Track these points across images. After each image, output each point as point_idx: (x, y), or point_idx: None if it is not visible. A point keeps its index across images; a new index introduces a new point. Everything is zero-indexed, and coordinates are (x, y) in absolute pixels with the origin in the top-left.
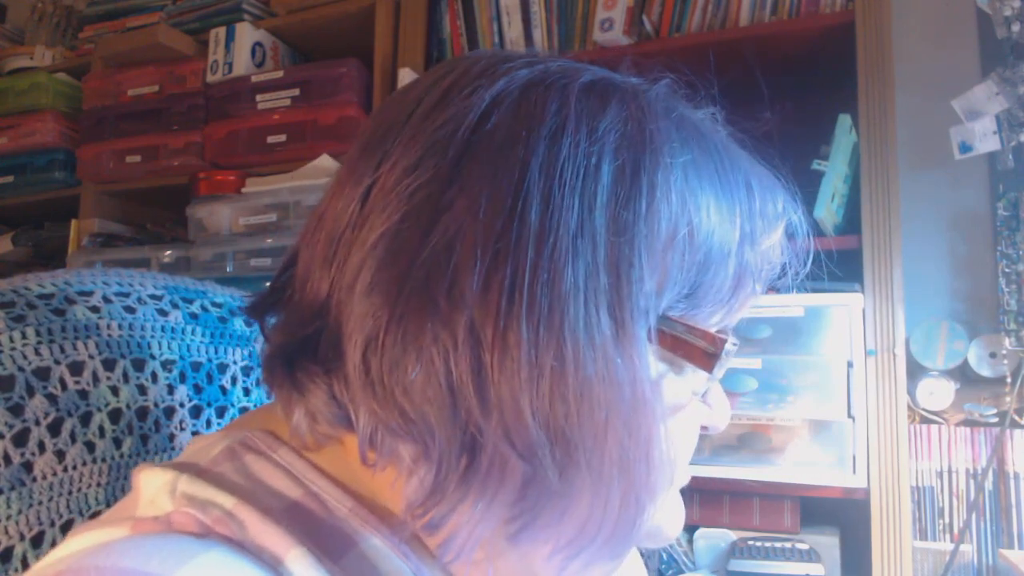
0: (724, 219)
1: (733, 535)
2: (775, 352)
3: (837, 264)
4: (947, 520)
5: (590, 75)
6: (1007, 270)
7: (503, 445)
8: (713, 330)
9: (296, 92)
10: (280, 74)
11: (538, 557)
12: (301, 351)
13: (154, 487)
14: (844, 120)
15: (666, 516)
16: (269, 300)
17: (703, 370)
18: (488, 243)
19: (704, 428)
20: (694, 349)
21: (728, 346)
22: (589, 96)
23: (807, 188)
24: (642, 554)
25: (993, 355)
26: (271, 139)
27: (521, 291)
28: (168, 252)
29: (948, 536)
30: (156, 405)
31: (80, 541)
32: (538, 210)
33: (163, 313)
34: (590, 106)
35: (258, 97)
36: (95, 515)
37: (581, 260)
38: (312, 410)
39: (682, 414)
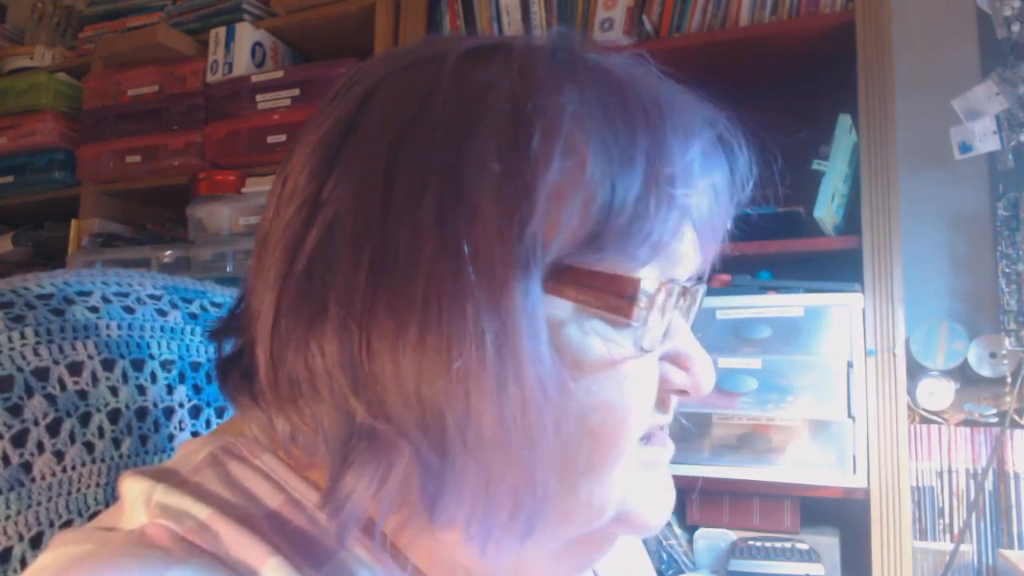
0: (620, 146)
1: (733, 535)
2: (775, 352)
3: (837, 264)
4: (947, 520)
5: (475, 42)
6: (1007, 270)
7: (381, 424)
8: (637, 273)
9: (296, 92)
10: (280, 74)
11: (455, 541)
12: (232, 364)
13: (132, 496)
14: (844, 120)
15: (637, 499)
16: (229, 324)
17: (622, 317)
18: (360, 224)
19: (683, 393)
20: (602, 296)
21: (648, 285)
22: (470, 59)
23: (807, 188)
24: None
25: (993, 355)
26: (271, 139)
27: (386, 263)
28: (168, 252)
29: (948, 536)
30: (155, 405)
31: (51, 557)
32: (407, 181)
33: (162, 313)
34: (469, 67)
35: (258, 97)
36: (94, 515)
37: (449, 223)
38: (249, 419)
39: (622, 373)
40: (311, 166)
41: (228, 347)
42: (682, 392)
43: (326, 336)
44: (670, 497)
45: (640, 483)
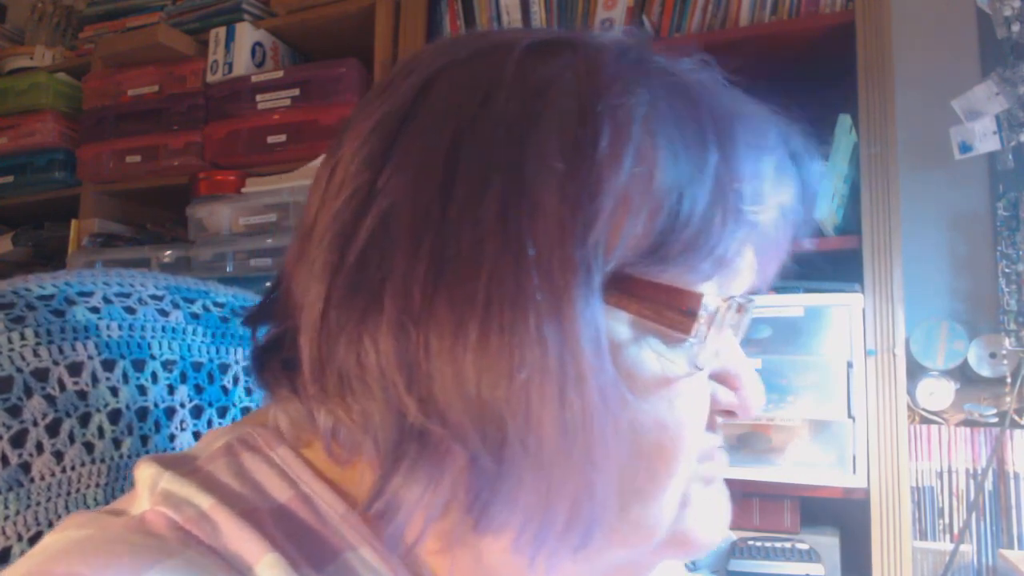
0: (691, 157)
1: (733, 535)
2: (775, 352)
3: (837, 264)
4: (947, 520)
5: (538, 36)
6: (1007, 270)
7: (435, 426)
8: (699, 288)
9: (296, 92)
10: (280, 74)
11: (500, 551)
12: (271, 351)
13: (141, 482)
14: (844, 120)
15: (694, 516)
16: (265, 309)
17: (680, 332)
18: (419, 216)
19: (731, 414)
20: (662, 309)
21: (710, 301)
22: (534, 54)
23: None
24: None
25: (993, 355)
26: (271, 139)
27: (446, 261)
28: (168, 252)
29: (948, 536)
30: (156, 405)
31: (51, 540)
32: (468, 177)
33: (164, 313)
34: (533, 63)
35: (258, 97)
36: None
37: (512, 221)
38: (284, 410)
39: (675, 392)
40: (364, 155)
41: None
42: (729, 413)
43: (380, 331)
44: (727, 513)
45: (698, 498)
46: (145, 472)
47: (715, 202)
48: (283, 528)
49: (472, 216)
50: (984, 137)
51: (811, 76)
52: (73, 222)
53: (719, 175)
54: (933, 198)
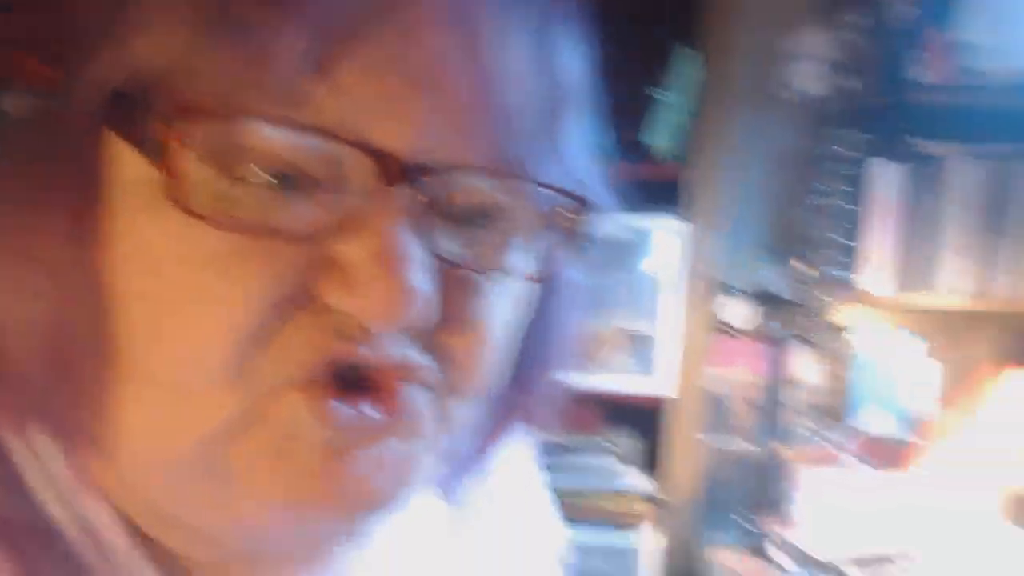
0: None
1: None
2: (596, 269)
3: (661, 190)
4: (736, 422)
5: None
6: (815, 204)
7: None
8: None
9: None
10: None
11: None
12: None
13: None
14: (682, 52)
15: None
16: None
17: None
18: None
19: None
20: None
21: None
22: None
23: (641, 114)
24: None
25: (791, 279)
26: None
27: None
28: None
29: (737, 435)
30: None
31: None
32: None
33: None
34: None
35: None
36: None
37: None
38: None
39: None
40: None
41: None
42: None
43: None
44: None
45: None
46: None
47: None
48: None
49: None
50: (810, 79)
51: (652, 4)
52: None
53: None
54: (758, 134)
